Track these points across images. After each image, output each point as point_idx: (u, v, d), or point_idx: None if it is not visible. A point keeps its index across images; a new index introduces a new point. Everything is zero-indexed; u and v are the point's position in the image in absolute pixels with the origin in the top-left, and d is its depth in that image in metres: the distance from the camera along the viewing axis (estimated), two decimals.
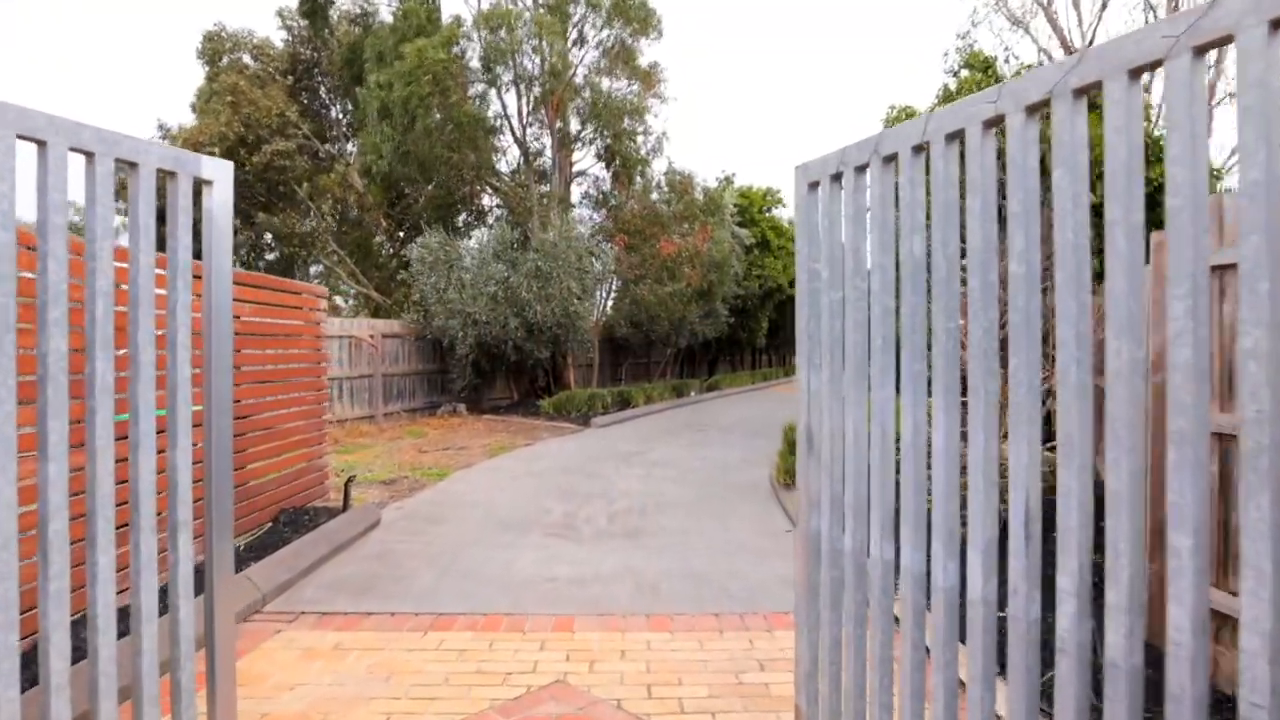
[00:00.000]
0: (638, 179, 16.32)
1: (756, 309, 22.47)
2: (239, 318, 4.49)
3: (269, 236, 16.58)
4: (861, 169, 2.00)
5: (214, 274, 2.11)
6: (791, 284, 23.92)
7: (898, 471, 1.90)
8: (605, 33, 15.05)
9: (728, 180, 19.82)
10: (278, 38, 17.04)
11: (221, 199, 2.12)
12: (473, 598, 3.82)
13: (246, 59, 16.09)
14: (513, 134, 15.15)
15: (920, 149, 1.82)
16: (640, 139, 15.97)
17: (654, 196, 16.40)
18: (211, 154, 14.61)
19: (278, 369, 5.10)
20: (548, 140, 15.45)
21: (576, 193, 16.74)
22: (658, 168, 16.61)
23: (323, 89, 18.56)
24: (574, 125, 15.31)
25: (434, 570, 4.27)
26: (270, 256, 18.12)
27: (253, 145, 14.41)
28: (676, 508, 5.90)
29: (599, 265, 14.19)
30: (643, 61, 15.75)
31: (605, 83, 15.19)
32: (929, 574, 1.78)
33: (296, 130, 15.04)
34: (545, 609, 3.66)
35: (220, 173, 2.12)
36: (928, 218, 1.82)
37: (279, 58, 16.77)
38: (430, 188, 15.10)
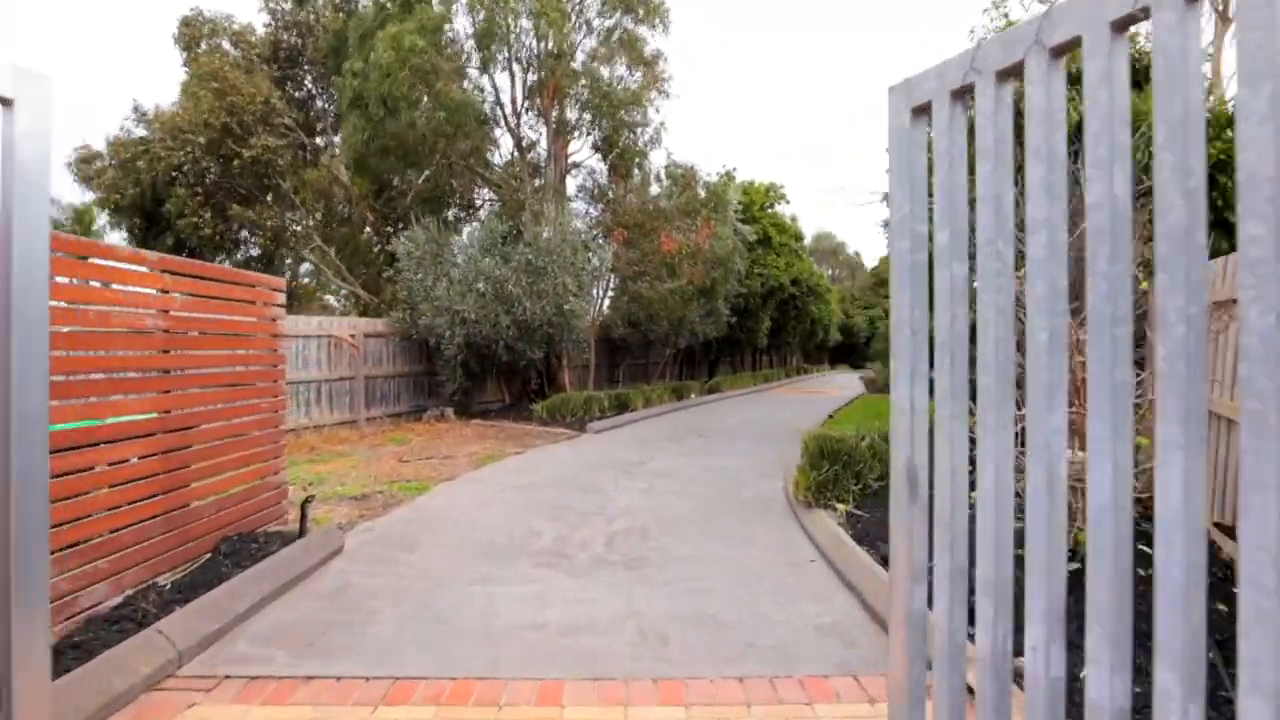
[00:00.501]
0: (635, 172, 15.62)
1: (758, 308, 21.81)
2: (168, 311, 3.77)
3: (250, 234, 15.82)
4: (1007, 75, 1.30)
5: (20, 235, 1.40)
6: (794, 283, 23.24)
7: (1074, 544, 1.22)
8: (607, 19, 14.35)
9: (729, 176, 19.15)
10: (259, 22, 16.29)
11: (32, 128, 1.42)
12: (441, 653, 3.12)
13: (226, 45, 15.32)
14: (505, 123, 14.43)
15: (1123, 25, 1.13)
16: (639, 130, 15.29)
17: (653, 190, 15.71)
18: (196, 144, 13.75)
19: (223, 372, 4.38)
20: (543, 130, 14.75)
21: (572, 185, 16.05)
22: (656, 159, 15.94)
23: (309, 79, 17.81)
24: (571, 114, 14.60)
25: (398, 613, 3.56)
26: (254, 252, 17.36)
27: (239, 137, 13.63)
28: (683, 529, 5.21)
29: (595, 261, 13.50)
30: (647, 51, 15.04)
31: (606, 71, 14.49)
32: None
33: (281, 120, 14.27)
34: (528, 670, 2.96)
35: (31, 91, 1.42)
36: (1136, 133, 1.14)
37: (261, 44, 16.02)
38: (419, 180, 14.38)
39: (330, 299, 24.71)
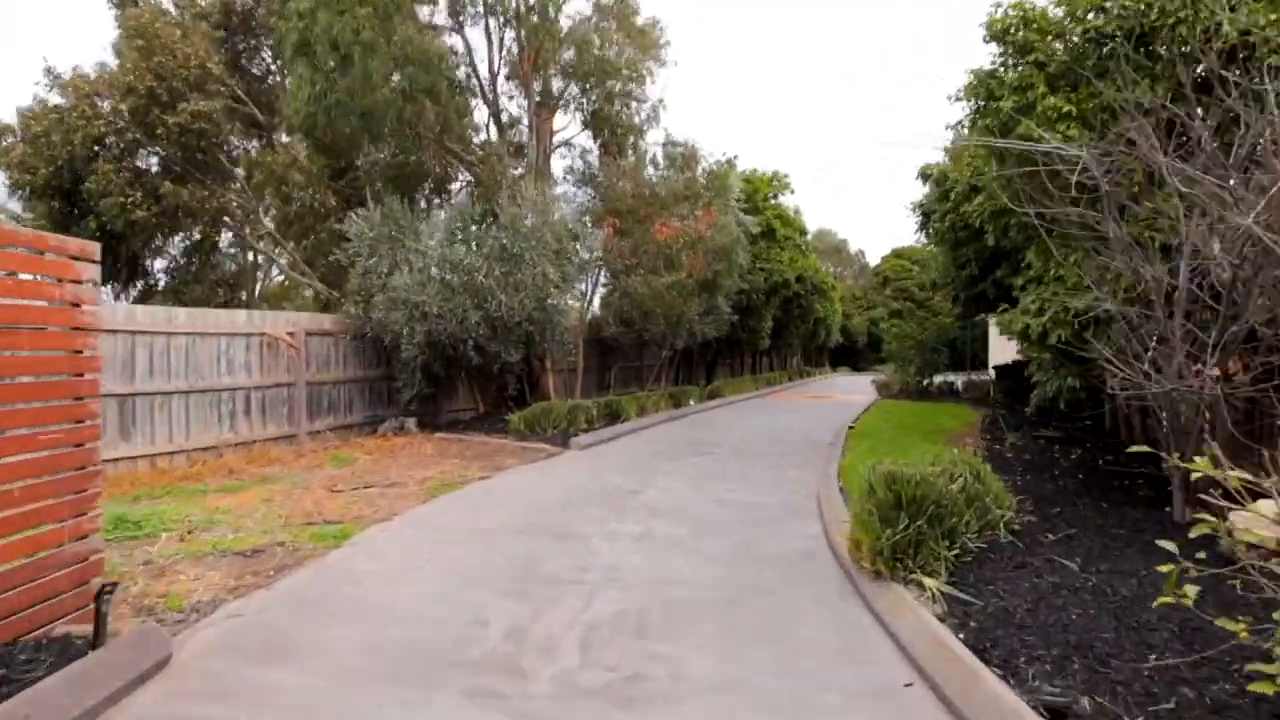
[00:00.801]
0: (630, 152, 13.97)
1: (761, 306, 20.17)
2: None
3: (184, 216, 14.01)
4: None
5: None
6: (798, 279, 21.60)
7: None
8: None
9: (729, 164, 17.52)
10: None
11: None
12: None
13: (166, 4, 13.54)
14: (481, 93, 12.76)
15: None
16: (634, 105, 13.64)
17: (649, 172, 14.07)
18: (119, 111, 12.12)
19: None
20: (524, 103, 13.07)
21: (559, 166, 14.38)
22: (653, 139, 14.29)
23: (266, 50, 16.07)
24: (556, 84, 12.93)
25: None
26: (196, 237, 15.52)
27: (166, 104, 11.87)
28: (699, 618, 3.55)
29: (583, 251, 11.84)
30: (639, 20, 13.41)
31: (595, 36, 12.82)
32: None
33: (218, 86, 12.50)
34: None
35: None
36: None
37: (210, 8, 14.25)
38: (385, 155, 12.65)
39: (312, 299, 22.76)
